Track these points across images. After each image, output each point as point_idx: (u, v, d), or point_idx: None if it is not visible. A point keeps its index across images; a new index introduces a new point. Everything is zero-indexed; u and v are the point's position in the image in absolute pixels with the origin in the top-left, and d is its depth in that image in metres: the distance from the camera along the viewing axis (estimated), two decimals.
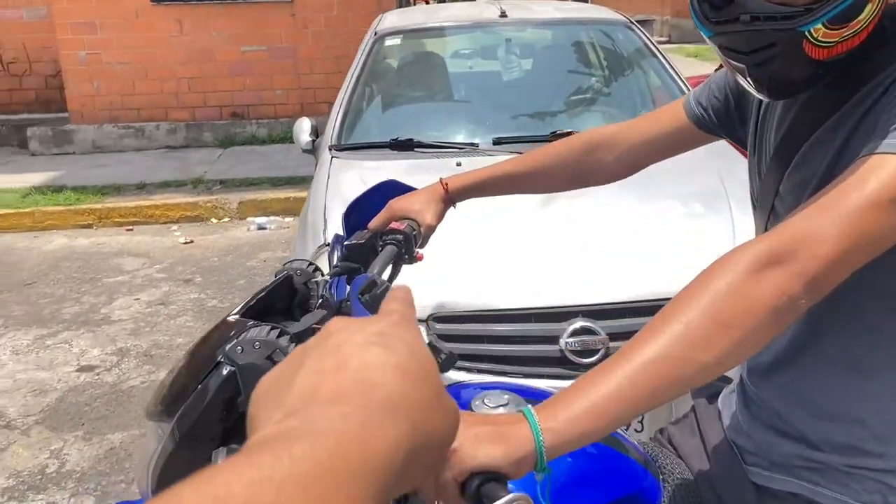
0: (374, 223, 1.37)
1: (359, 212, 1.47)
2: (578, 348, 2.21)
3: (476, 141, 3.14)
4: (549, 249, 2.43)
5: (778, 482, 1.08)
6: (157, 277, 5.08)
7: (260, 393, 0.47)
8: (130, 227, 6.17)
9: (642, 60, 3.83)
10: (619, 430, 1.26)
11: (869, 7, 0.88)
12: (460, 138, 3.19)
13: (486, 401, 1.13)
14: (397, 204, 1.39)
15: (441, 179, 1.43)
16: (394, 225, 1.35)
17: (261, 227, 6.02)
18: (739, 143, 1.22)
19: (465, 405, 1.14)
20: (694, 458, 1.22)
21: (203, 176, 7.01)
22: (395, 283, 1.33)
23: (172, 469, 1.06)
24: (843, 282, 0.86)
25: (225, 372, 0.99)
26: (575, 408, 0.75)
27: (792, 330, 1.05)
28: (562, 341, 2.21)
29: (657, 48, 3.78)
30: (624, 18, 4.02)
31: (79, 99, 8.09)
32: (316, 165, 3.28)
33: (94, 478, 2.94)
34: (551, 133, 3.07)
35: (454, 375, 2.20)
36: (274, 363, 0.94)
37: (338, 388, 0.44)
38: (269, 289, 1.17)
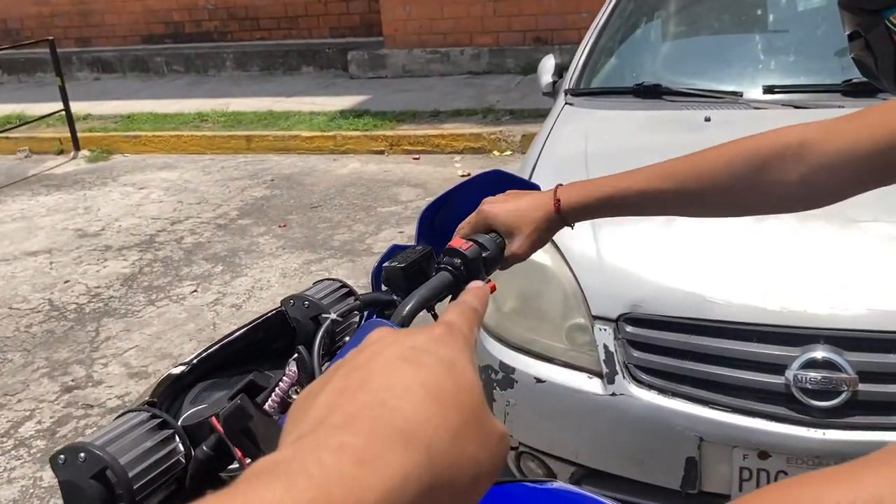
0: (456, 240, 1.03)
1: (449, 213, 1.13)
2: (811, 386, 1.65)
3: (740, 89, 2.51)
4: (792, 250, 1.84)
5: None
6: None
7: (294, 406, 0.42)
8: (417, 157, 6.26)
9: None
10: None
11: None
12: (720, 85, 2.57)
13: None
14: (493, 208, 1.03)
15: (556, 189, 1.03)
16: (455, 243, 0.99)
17: None
18: None
19: None
20: None
21: (495, 105, 6.87)
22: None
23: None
24: None
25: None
26: None
27: None
28: (790, 373, 1.67)
29: None
30: None
31: (392, 23, 8.35)
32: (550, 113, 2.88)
33: None
34: (844, 82, 2.35)
35: (640, 393, 1.77)
36: (104, 485, 0.67)
37: (352, 411, 0.38)
38: (242, 332, 0.90)
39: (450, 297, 0.99)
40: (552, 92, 2.97)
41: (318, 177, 6.01)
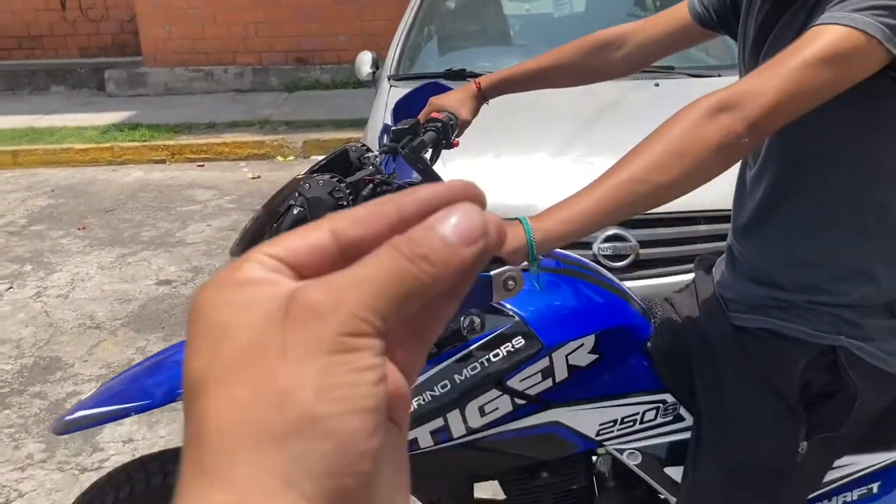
0: (421, 115, 1.60)
1: (405, 107, 1.70)
2: (610, 253, 2.42)
3: None
4: (588, 164, 2.62)
5: (752, 321, 1.29)
6: (227, 207, 5.42)
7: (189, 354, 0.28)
8: (201, 164, 6.52)
9: None
10: (622, 283, 1.48)
11: None
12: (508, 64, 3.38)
13: None
14: (438, 100, 1.62)
15: (474, 80, 1.65)
16: (434, 115, 1.58)
17: None
18: (733, 37, 1.40)
19: None
20: (686, 309, 1.43)
21: (269, 117, 7.31)
22: (435, 167, 1.56)
23: None
24: (809, 153, 1.07)
25: (296, 212, 1.24)
26: (561, 215, 0.98)
27: (764, 195, 1.25)
28: (595, 246, 2.42)
29: None
30: None
31: (152, 43, 8.46)
32: (375, 95, 3.51)
33: None
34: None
35: None
36: (335, 199, 1.20)
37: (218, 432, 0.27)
38: (329, 159, 1.42)
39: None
40: (372, 80, 3.59)
41: (102, 185, 6.07)
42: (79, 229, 5.07)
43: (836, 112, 1.11)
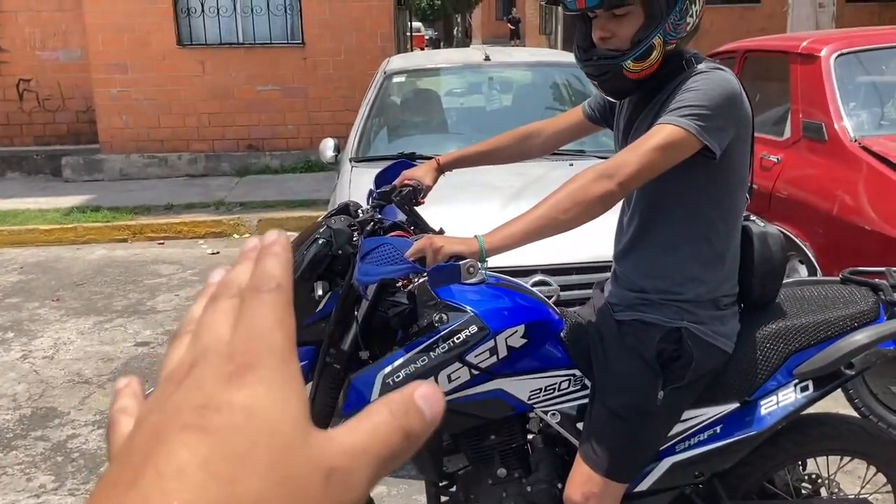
0: (396, 182, 2.23)
1: (383, 177, 2.32)
2: None
3: None
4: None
5: (627, 316, 1.91)
6: (191, 279, 5.91)
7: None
8: (162, 242, 7.00)
9: None
10: (542, 295, 2.09)
11: (655, 52, 1.74)
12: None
13: None
14: (408, 172, 2.24)
15: (435, 157, 2.28)
16: (406, 182, 2.20)
17: None
18: (611, 129, 2.07)
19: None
20: (587, 313, 2.06)
21: (224, 199, 7.86)
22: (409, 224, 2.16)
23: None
24: (661, 203, 1.73)
25: (321, 242, 1.83)
26: (501, 233, 1.60)
27: (634, 231, 1.90)
28: None
29: None
30: None
31: (109, 131, 8.98)
32: (338, 174, 4.14)
33: None
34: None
35: None
36: (350, 231, 1.80)
37: None
38: (336, 210, 2.01)
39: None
40: (335, 162, 4.23)
41: (69, 262, 6.48)
42: (53, 301, 5.48)
43: (677, 179, 1.77)
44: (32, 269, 6.29)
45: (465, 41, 38.25)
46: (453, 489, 2.11)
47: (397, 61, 4.98)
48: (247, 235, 7.08)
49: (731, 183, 1.81)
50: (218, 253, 6.60)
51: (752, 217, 2.00)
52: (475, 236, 1.62)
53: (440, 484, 2.10)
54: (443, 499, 2.12)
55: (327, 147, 4.25)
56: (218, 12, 8.86)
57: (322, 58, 8.97)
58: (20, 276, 6.10)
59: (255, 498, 0.31)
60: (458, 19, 40.95)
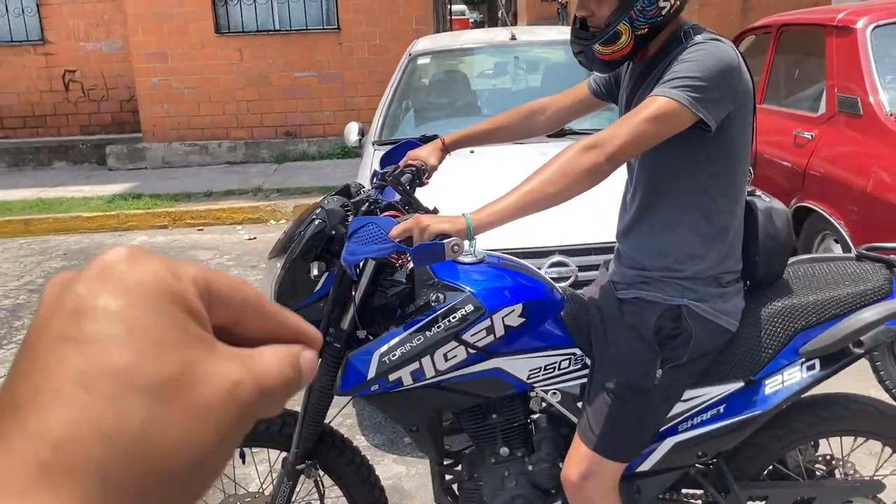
0: (401, 163, 2.22)
1: (389, 158, 2.31)
2: (555, 276, 3.02)
3: None
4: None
5: (628, 294, 1.88)
6: (227, 264, 6.00)
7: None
8: (201, 228, 7.12)
9: None
10: (545, 274, 2.07)
11: (624, 37, 1.72)
12: None
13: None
14: (413, 153, 2.23)
15: (440, 137, 2.27)
16: (411, 162, 2.19)
17: None
18: (616, 103, 2.04)
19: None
20: (589, 291, 2.03)
21: (262, 186, 7.96)
22: (417, 192, 2.16)
23: (286, 286, 1.91)
24: (661, 180, 1.70)
25: (317, 223, 1.84)
26: (489, 210, 1.58)
27: (635, 210, 1.86)
28: (543, 270, 3.02)
29: None
30: None
31: (151, 120, 9.15)
32: (362, 157, 4.15)
33: None
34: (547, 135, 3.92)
35: None
36: (345, 211, 1.80)
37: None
38: (337, 190, 2.02)
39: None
40: (359, 146, 4.24)
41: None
42: None
43: (675, 155, 1.74)
44: (75, 256, 6.45)
45: (512, 23, 37.95)
46: (458, 468, 2.11)
47: (423, 43, 4.95)
48: (283, 221, 7.16)
49: (730, 158, 1.77)
50: (255, 238, 6.69)
51: (758, 192, 1.95)
52: (463, 214, 1.61)
53: (444, 463, 2.11)
54: (447, 477, 2.12)
55: (351, 131, 4.26)
56: (254, 0, 8.94)
57: (358, 42, 8.99)
58: (63, 263, 6.26)
59: (142, 421, 0.28)
60: (504, 1, 40.62)
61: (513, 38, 4.67)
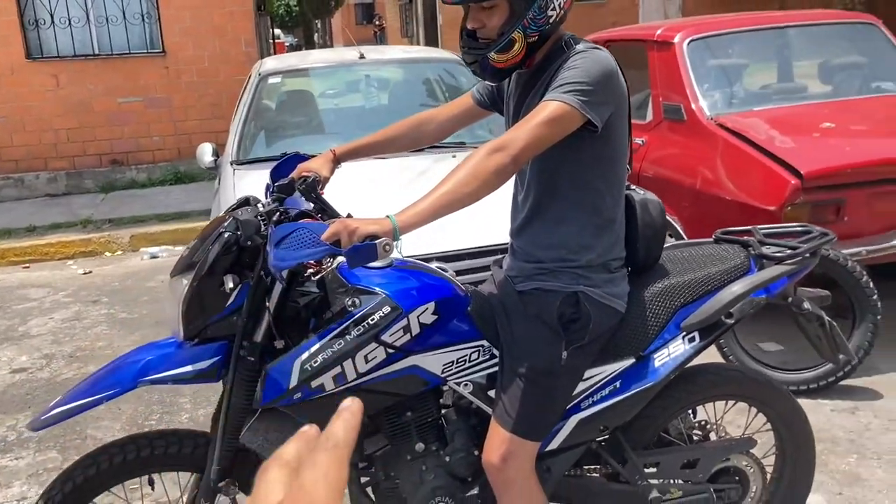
0: (293, 175, 2.25)
1: (278, 172, 2.33)
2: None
3: None
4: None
5: (527, 286, 2.02)
6: (64, 301, 5.64)
7: None
8: (27, 265, 6.64)
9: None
10: (450, 273, 2.17)
11: (517, 45, 1.87)
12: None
13: None
14: (304, 164, 2.26)
15: (331, 149, 2.32)
16: (304, 173, 2.22)
17: (154, 256, 6.65)
18: (500, 113, 2.18)
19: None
20: (489, 288, 2.16)
21: (91, 217, 7.53)
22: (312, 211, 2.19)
23: (195, 302, 1.89)
24: (553, 179, 1.84)
25: (226, 236, 1.84)
26: (411, 211, 1.67)
27: (528, 208, 2.01)
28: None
29: None
30: (456, 56, 5.07)
31: None
32: (218, 178, 4.08)
33: (52, 439, 3.57)
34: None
35: None
36: (259, 220, 1.81)
37: None
38: (236, 205, 2.02)
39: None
40: (214, 167, 4.16)
41: None
42: None
43: (565, 156, 1.90)
44: None
45: (328, 47, 38.05)
46: (373, 469, 2.16)
47: (271, 62, 4.94)
48: (119, 252, 6.82)
49: (613, 155, 1.95)
50: (90, 272, 6.32)
51: (633, 186, 2.16)
52: (387, 216, 1.68)
53: (360, 466, 2.14)
54: (363, 480, 2.16)
55: (205, 152, 4.18)
56: (69, 23, 8.46)
57: (185, 66, 8.73)
58: None
59: None
60: (319, 25, 40.62)
61: (361, 56, 4.76)
